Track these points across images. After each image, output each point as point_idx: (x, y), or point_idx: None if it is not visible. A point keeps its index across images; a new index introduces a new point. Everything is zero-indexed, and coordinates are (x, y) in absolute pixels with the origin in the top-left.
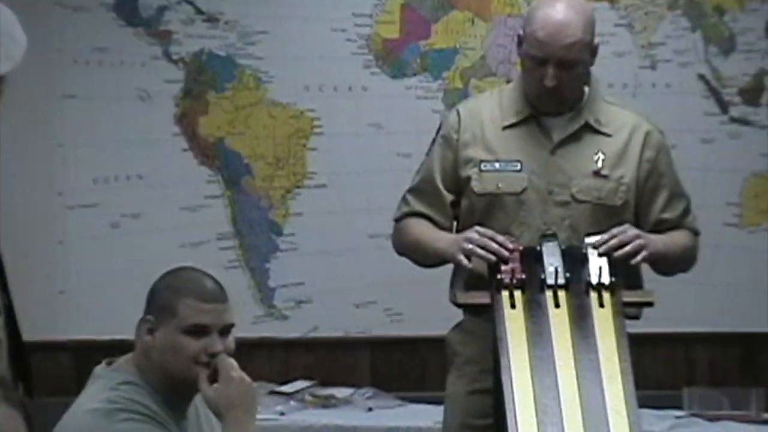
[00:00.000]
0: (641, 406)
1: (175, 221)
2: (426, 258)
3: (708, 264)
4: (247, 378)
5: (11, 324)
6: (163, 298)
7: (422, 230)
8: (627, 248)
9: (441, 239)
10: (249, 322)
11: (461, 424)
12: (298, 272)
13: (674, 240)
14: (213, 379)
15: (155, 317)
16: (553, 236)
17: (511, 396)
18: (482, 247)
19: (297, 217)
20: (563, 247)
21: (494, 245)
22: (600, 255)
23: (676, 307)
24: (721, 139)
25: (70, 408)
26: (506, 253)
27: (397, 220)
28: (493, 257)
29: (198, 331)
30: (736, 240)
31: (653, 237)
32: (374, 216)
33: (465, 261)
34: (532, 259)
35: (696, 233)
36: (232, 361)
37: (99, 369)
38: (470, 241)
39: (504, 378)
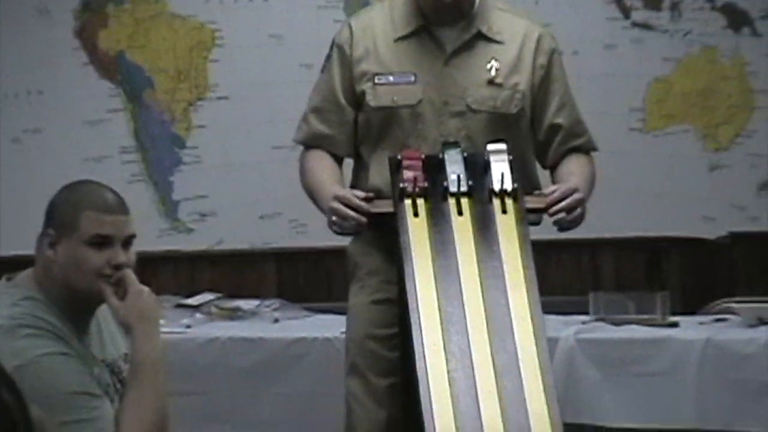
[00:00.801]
0: (547, 312)
1: (77, 136)
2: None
3: (613, 170)
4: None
5: None
6: (63, 212)
7: (313, 178)
8: (576, 213)
9: (321, 198)
10: (154, 236)
11: (365, 334)
12: (201, 185)
13: (587, 179)
14: (116, 292)
15: (56, 231)
16: (455, 144)
17: (416, 305)
18: (343, 220)
19: (200, 130)
20: (466, 154)
21: (352, 214)
22: (554, 223)
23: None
24: (623, 45)
25: None
26: (364, 220)
27: (300, 143)
28: (353, 229)
29: (100, 242)
30: (641, 145)
31: (582, 187)
32: (277, 128)
33: (339, 235)
34: (434, 167)
35: (594, 149)
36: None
37: None
38: (335, 213)
39: (408, 287)
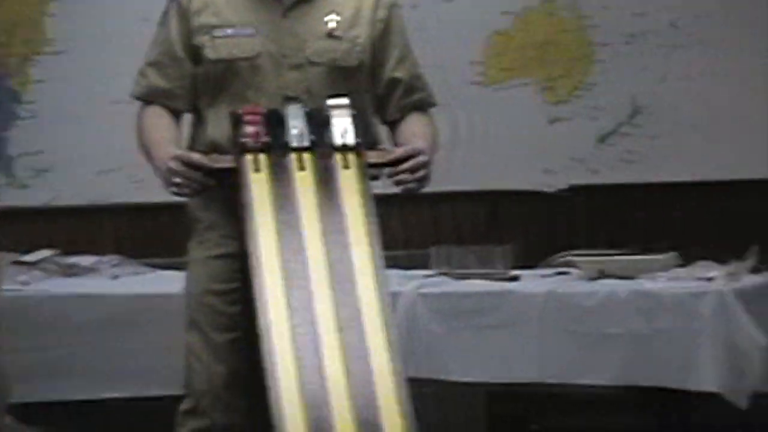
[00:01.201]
0: (389, 266)
1: None
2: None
3: (453, 123)
4: None
5: None
6: None
7: (149, 138)
8: (420, 174)
9: (157, 158)
10: None
11: (204, 290)
12: (38, 141)
13: (431, 140)
14: None
15: None
16: (296, 99)
17: (258, 260)
18: (188, 182)
19: (38, 85)
20: (307, 109)
21: (195, 176)
22: (397, 183)
23: None
24: None
25: None
26: (211, 182)
27: (138, 98)
28: (197, 190)
29: None
30: (481, 98)
31: (427, 150)
32: (116, 82)
33: (176, 195)
34: (275, 122)
35: (433, 104)
36: None
37: None
38: (173, 173)
39: (250, 242)
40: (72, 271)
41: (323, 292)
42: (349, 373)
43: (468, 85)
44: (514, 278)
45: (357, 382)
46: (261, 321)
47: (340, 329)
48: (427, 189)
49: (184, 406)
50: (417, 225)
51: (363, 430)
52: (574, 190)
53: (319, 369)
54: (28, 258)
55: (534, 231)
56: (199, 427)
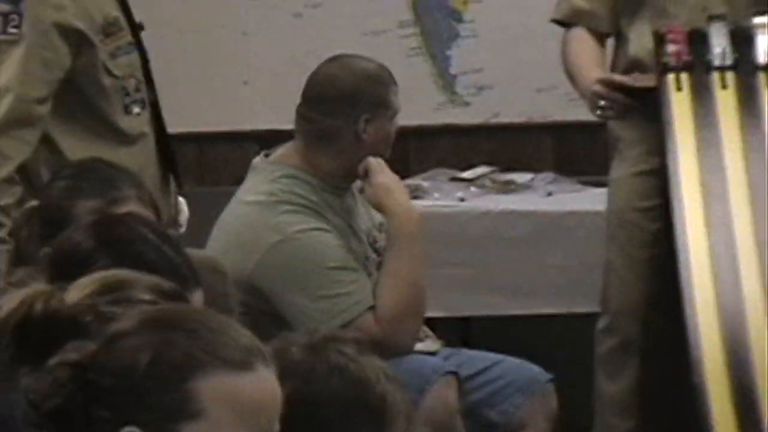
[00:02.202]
0: None
1: (355, 10)
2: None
3: None
4: None
5: (157, 118)
6: (374, 93)
7: (574, 63)
8: None
9: (581, 82)
10: (431, 109)
11: (626, 206)
12: (478, 59)
13: None
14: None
15: (372, 112)
16: (721, 17)
17: (678, 179)
18: (611, 104)
19: (477, 5)
20: (731, 28)
21: (618, 97)
22: None
23: None
24: None
25: (232, 200)
26: (630, 104)
27: (559, 21)
28: (622, 111)
29: None
30: None
31: None
32: (555, 0)
33: (601, 118)
34: (698, 40)
35: None
36: None
37: (257, 161)
38: (598, 96)
39: (670, 161)
40: (507, 188)
41: (742, 210)
42: (766, 291)
43: None
44: None
45: None
46: (680, 239)
47: (759, 248)
48: None
49: (602, 323)
50: None
51: None
52: None
53: (737, 287)
54: (465, 175)
55: None
56: (616, 344)
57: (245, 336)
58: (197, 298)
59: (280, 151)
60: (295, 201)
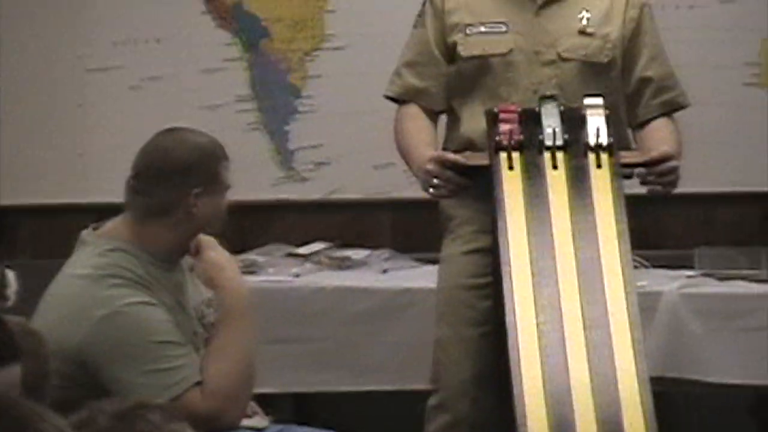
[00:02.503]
0: (657, 266)
1: (193, 84)
2: None
3: (728, 124)
4: None
5: None
6: (205, 166)
7: (408, 141)
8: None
9: (414, 160)
10: (269, 184)
11: (455, 284)
12: (317, 134)
13: (679, 146)
14: None
15: (203, 186)
16: (552, 98)
17: (508, 257)
18: (444, 182)
19: (316, 80)
20: (562, 108)
21: (451, 176)
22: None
23: (695, 166)
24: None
25: (59, 273)
26: (463, 183)
27: (393, 97)
28: (454, 190)
29: None
30: (756, 100)
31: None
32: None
33: (434, 197)
34: (530, 120)
35: (685, 105)
36: None
37: (85, 234)
38: (431, 175)
39: (501, 239)
40: (343, 265)
41: (571, 291)
42: (593, 371)
43: (742, 86)
44: None
45: (601, 381)
46: (508, 318)
47: (587, 328)
48: (701, 189)
49: (432, 401)
50: (688, 225)
51: (604, 428)
52: None
53: (564, 367)
54: (301, 251)
55: None
56: (447, 422)
57: (53, 426)
58: (14, 372)
59: (109, 224)
60: (122, 275)
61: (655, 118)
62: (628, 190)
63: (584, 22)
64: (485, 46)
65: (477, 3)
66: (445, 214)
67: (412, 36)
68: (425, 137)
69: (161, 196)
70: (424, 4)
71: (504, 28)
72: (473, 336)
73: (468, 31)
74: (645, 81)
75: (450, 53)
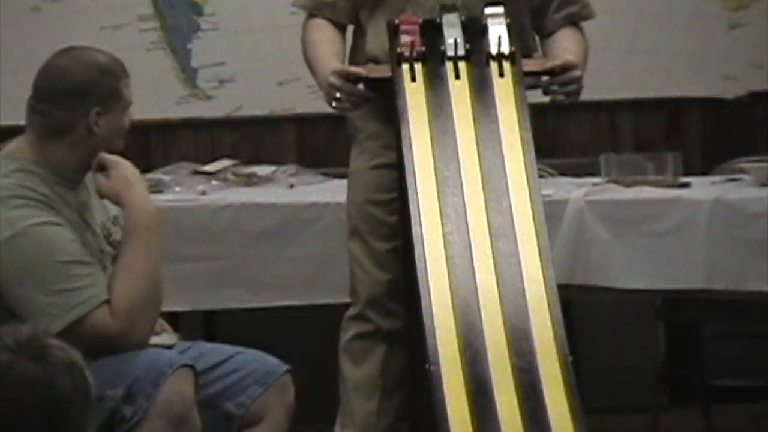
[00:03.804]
0: (564, 173)
1: (95, 4)
2: None
3: (631, 30)
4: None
5: None
6: (104, 85)
7: (313, 52)
8: (572, 88)
9: (319, 72)
10: (173, 103)
11: (365, 199)
12: (220, 52)
13: (582, 56)
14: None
15: (102, 105)
16: (453, 8)
17: (412, 169)
18: (347, 96)
19: None
20: (463, 18)
21: (353, 89)
22: (545, 93)
23: (600, 74)
24: None
25: None
26: (365, 96)
27: (301, 8)
28: (357, 103)
29: None
30: (659, 4)
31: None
32: None
33: (337, 110)
34: (432, 31)
35: (590, 16)
36: None
37: None
38: (334, 88)
39: (405, 151)
40: (250, 181)
41: (477, 199)
42: (500, 279)
43: None
44: (684, 185)
45: (508, 290)
46: (414, 229)
47: (493, 236)
48: (606, 96)
49: (350, 312)
50: (594, 133)
51: (513, 335)
52: (754, 96)
53: (471, 276)
54: (207, 168)
55: (713, 138)
56: (362, 331)
57: None
58: None
59: (12, 145)
60: (27, 195)
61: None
62: (533, 100)
63: None
64: None
65: None
66: (354, 126)
67: None
68: (331, 49)
69: (60, 116)
70: None
71: None
72: (383, 250)
73: None
74: None
75: None
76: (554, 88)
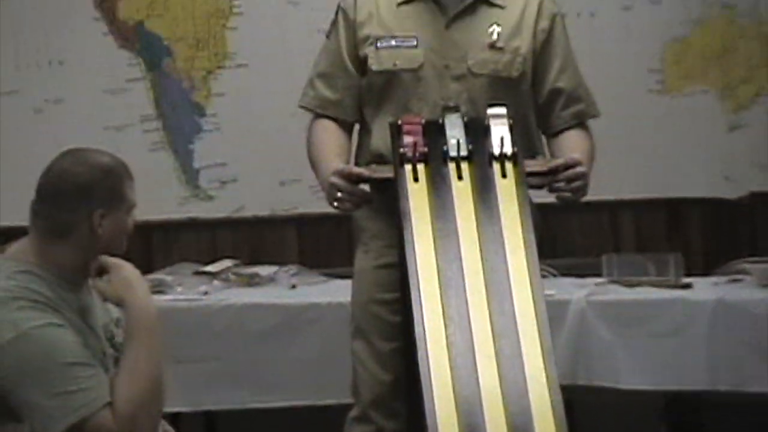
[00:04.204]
0: (565, 274)
1: (98, 105)
2: None
3: (632, 131)
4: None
5: None
6: (107, 186)
7: (316, 152)
8: (577, 184)
9: (321, 171)
10: (175, 203)
11: (369, 299)
12: (221, 153)
13: (589, 154)
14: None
15: (106, 206)
16: (455, 109)
17: (415, 269)
18: (348, 196)
19: (219, 98)
20: (466, 119)
21: (355, 190)
22: (551, 191)
23: (601, 175)
24: (640, 5)
25: None
26: (367, 197)
27: (306, 108)
28: (358, 203)
29: None
30: (660, 106)
31: (585, 162)
32: (295, 94)
33: (339, 210)
34: (434, 132)
35: (596, 115)
36: None
37: None
38: (335, 188)
39: (408, 251)
40: (252, 281)
41: (479, 301)
42: (503, 380)
43: (646, 92)
44: (686, 286)
45: (511, 390)
46: (417, 330)
47: (496, 337)
48: (607, 196)
49: (353, 413)
50: (595, 233)
51: None
52: (755, 197)
53: (474, 376)
54: (209, 268)
55: (714, 238)
56: None
57: None
58: None
59: (15, 246)
60: (30, 297)
61: (567, 128)
62: (537, 199)
63: (494, 36)
64: (396, 60)
65: (388, 15)
66: (358, 226)
67: (325, 46)
68: (334, 149)
69: (63, 217)
70: (336, 14)
71: (414, 42)
72: (387, 350)
73: (379, 45)
74: (555, 92)
75: (362, 65)
76: (560, 185)
